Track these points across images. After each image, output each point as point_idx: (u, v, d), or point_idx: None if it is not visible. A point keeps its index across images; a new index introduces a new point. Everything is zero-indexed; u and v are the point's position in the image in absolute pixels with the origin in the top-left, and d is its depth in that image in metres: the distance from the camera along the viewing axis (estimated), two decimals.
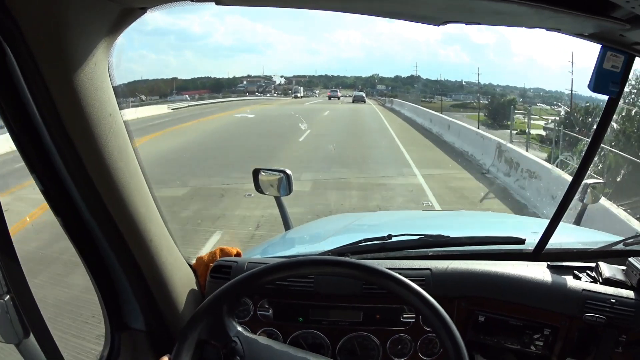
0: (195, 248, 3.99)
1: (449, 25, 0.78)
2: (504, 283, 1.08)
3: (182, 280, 1.06)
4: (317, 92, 43.87)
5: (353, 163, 8.70)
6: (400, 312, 1.09)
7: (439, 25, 0.77)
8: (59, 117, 0.74)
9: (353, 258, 1.10)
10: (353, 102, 31.26)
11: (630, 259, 1.05)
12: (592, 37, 0.88)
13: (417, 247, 1.23)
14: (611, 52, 0.91)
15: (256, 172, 1.85)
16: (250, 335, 0.90)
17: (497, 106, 24.10)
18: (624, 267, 1.07)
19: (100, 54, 0.75)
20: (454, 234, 1.25)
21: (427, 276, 1.08)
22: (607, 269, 1.07)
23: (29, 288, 0.76)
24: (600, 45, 0.92)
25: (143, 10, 0.77)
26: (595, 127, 1.08)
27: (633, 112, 7.27)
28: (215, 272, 1.14)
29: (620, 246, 1.25)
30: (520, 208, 5.97)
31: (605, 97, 0.99)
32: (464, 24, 0.79)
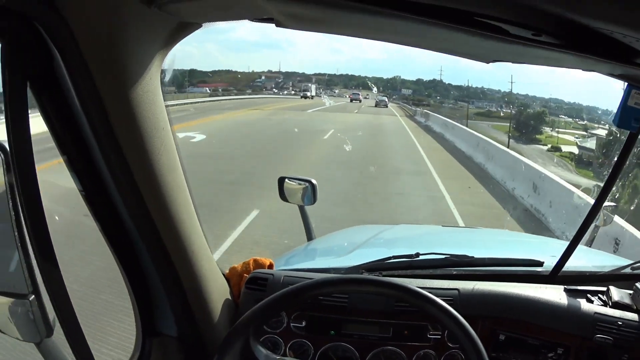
0: None
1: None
2: (524, 305, 1.14)
3: (217, 290, 1.08)
4: (336, 91, 42.60)
5: None
6: (427, 329, 1.15)
7: (488, 63, 0.84)
8: (112, 129, 0.73)
9: (384, 276, 1.17)
10: (375, 106, 30.60)
11: (637, 284, 1.11)
12: (620, 77, 0.95)
13: (443, 267, 1.29)
14: (635, 90, 0.97)
15: (281, 180, 1.84)
16: (277, 357, 0.98)
17: (526, 118, 23.48)
18: (631, 292, 1.13)
19: (155, 66, 0.75)
20: (475, 252, 1.31)
21: (455, 296, 1.14)
22: (617, 293, 1.13)
23: (65, 288, 0.75)
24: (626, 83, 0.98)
25: (199, 25, 0.76)
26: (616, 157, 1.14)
27: None
28: (251, 283, 1.17)
29: (628, 270, 1.31)
30: None
31: None
32: (510, 62, 0.85)
